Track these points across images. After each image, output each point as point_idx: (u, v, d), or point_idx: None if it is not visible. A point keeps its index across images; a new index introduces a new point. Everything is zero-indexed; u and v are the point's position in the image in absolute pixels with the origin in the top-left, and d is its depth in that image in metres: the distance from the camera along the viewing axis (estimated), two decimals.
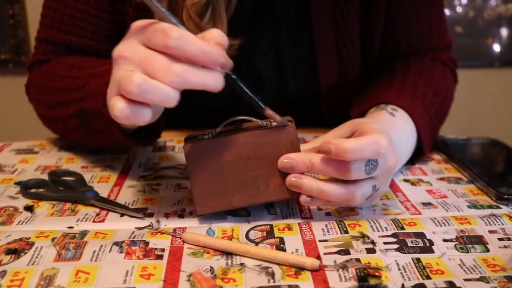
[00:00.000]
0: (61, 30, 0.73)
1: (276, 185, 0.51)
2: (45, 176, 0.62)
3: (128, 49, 0.46)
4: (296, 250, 0.48)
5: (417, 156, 0.67)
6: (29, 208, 0.55)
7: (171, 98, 0.44)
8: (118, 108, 0.44)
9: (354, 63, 0.77)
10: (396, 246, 0.48)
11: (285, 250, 0.48)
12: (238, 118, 0.51)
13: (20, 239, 0.48)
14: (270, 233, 0.51)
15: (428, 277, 0.43)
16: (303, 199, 0.51)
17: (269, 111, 0.50)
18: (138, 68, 0.44)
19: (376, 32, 0.77)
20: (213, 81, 0.45)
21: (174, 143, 0.76)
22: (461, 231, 0.51)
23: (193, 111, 0.79)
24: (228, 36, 0.49)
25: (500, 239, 0.49)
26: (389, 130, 0.56)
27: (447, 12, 1.77)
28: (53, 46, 0.74)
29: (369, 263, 0.45)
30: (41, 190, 0.59)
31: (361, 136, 0.51)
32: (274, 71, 0.77)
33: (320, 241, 0.49)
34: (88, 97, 0.61)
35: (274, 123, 0.50)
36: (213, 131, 0.51)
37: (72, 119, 0.65)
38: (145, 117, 0.45)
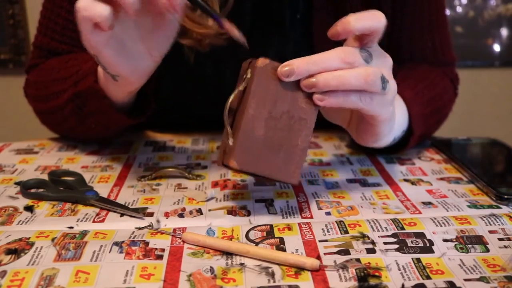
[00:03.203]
0: (54, 39, 0.76)
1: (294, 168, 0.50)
2: (45, 176, 0.62)
3: None
4: (296, 250, 0.48)
5: (401, 147, 0.68)
6: (29, 208, 0.55)
7: None
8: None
9: None
10: (396, 246, 0.48)
11: (285, 250, 0.48)
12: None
13: (20, 239, 0.48)
14: (270, 233, 0.51)
15: (428, 277, 0.43)
16: (317, 96, 0.50)
17: (227, 25, 0.51)
18: None
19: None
20: None
21: (174, 143, 0.76)
22: (461, 231, 0.51)
23: (189, 119, 0.80)
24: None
25: (500, 239, 0.49)
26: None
27: (447, 12, 1.78)
28: (47, 53, 0.77)
29: (369, 263, 0.45)
30: (41, 190, 0.59)
31: None
32: None
33: (320, 241, 0.49)
34: (82, 79, 0.64)
35: None
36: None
37: (68, 105, 0.67)
38: (103, 11, 0.47)
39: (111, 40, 0.52)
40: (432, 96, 0.72)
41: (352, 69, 0.49)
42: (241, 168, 0.49)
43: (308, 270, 0.44)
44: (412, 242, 0.49)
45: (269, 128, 0.49)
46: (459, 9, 1.77)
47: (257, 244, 0.49)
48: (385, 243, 0.48)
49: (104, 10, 0.48)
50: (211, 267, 0.45)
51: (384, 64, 0.53)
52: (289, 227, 0.51)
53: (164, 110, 0.73)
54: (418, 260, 0.46)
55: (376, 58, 0.52)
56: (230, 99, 0.50)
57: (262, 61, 0.49)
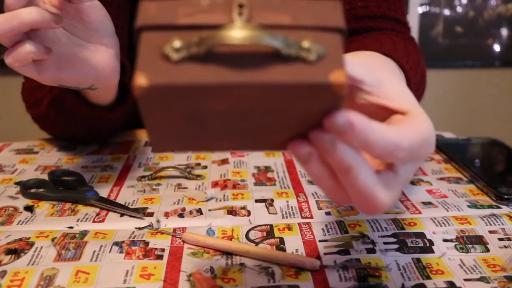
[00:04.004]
0: None
1: (281, 139, 0.33)
2: (45, 176, 0.62)
3: None
4: (296, 250, 0.48)
5: None
6: (29, 208, 0.55)
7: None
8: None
9: None
10: (396, 246, 0.48)
11: (285, 250, 0.48)
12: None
13: (20, 239, 0.48)
14: (270, 233, 0.51)
15: (428, 277, 0.43)
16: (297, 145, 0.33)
17: None
18: None
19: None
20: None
21: None
22: (461, 231, 0.51)
23: None
24: None
25: (500, 239, 0.49)
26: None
27: (447, 12, 1.78)
28: None
29: (369, 263, 0.45)
30: (41, 190, 0.59)
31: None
32: None
33: (320, 241, 0.49)
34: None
35: (309, 52, 0.29)
36: (194, 42, 0.28)
37: (50, 110, 0.68)
38: (24, 49, 0.47)
39: (58, 62, 0.51)
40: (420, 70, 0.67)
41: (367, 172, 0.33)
42: None
43: (308, 270, 0.44)
44: (412, 242, 0.49)
45: None
46: (459, 9, 1.77)
47: (257, 244, 0.49)
48: (385, 243, 0.48)
49: (25, 49, 0.47)
50: (211, 267, 0.45)
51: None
52: (289, 227, 0.51)
53: None
54: (418, 260, 0.46)
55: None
56: None
57: (141, 80, 0.28)
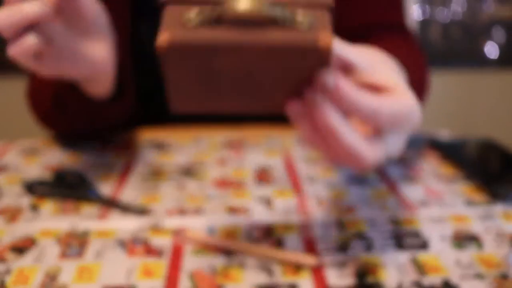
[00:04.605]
0: None
1: (280, 99, 0.39)
2: (49, 175, 0.63)
3: None
4: (295, 248, 0.48)
5: None
6: (33, 207, 0.56)
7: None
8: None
9: None
10: (393, 244, 0.49)
11: (284, 249, 0.48)
12: None
13: (25, 238, 0.49)
14: (270, 232, 0.51)
15: (425, 275, 0.44)
16: (293, 104, 0.38)
17: None
18: None
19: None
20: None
21: (174, 142, 0.77)
22: (457, 229, 0.51)
23: None
24: None
25: (495, 237, 0.50)
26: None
27: (443, 15, 1.78)
28: None
29: (367, 261, 0.46)
30: (45, 188, 0.60)
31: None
32: None
33: (319, 239, 0.50)
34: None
35: (301, 21, 0.35)
36: (207, 12, 0.35)
37: (53, 108, 0.69)
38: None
39: (56, 54, 0.52)
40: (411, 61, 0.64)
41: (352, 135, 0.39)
42: None
43: (307, 268, 0.45)
44: (408, 240, 0.50)
45: None
46: (455, 12, 1.78)
47: (257, 243, 0.50)
48: (382, 241, 0.49)
49: (31, 40, 0.48)
50: (211, 265, 0.46)
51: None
52: (288, 226, 0.52)
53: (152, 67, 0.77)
54: (415, 258, 0.47)
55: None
56: None
57: (165, 37, 0.35)
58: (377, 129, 0.40)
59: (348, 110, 0.37)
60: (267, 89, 0.38)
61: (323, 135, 0.38)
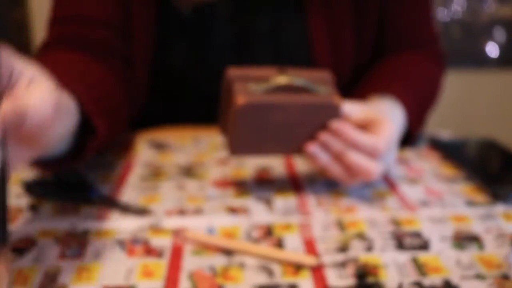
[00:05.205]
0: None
1: (304, 143, 0.57)
2: (47, 176, 0.63)
3: None
4: (296, 248, 0.48)
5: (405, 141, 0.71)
6: (32, 208, 0.56)
7: None
8: None
9: (347, 52, 0.79)
10: (393, 244, 0.49)
11: (284, 249, 0.48)
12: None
13: (24, 238, 0.49)
14: (269, 232, 0.51)
15: (425, 275, 0.44)
16: (311, 146, 0.56)
17: None
18: None
19: (369, 25, 0.79)
20: None
21: (174, 142, 0.77)
22: (458, 229, 0.51)
23: (192, 99, 0.80)
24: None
25: (495, 238, 0.50)
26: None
27: (444, 15, 1.78)
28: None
29: (367, 261, 0.46)
30: (44, 189, 0.59)
31: (374, 131, 0.57)
32: (272, 55, 0.79)
33: (319, 239, 0.50)
34: None
35: (321, 90, 0.55)
36: (264, 83, 0.54)
37: None
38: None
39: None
40: (424, 91, 0.76)
41: (357, 157, 0.55)
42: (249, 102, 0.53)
43: (307, 268, 0.45)
44: (409, 240, 0.49)
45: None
46: (456, 11, 1.78)
47: (257, 243, 0.49)
48: (383, 241, 0.49)
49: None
50: (211, 265, 0.46)
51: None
52: (288, 226, 0.52)
53: (169, 86, 0.79)
54: (415, 258, 0.47)
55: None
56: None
57: (241, 100, 0.53)
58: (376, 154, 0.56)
59: (353, 144, 0.55)
60: (298, 135, 0.56)
61: (338, 162, 0.56)
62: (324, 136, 0.56)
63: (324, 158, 0.56)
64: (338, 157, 0.56)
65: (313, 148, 0.56)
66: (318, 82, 0.56)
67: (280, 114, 0.54)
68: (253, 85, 0.54)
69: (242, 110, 0.52)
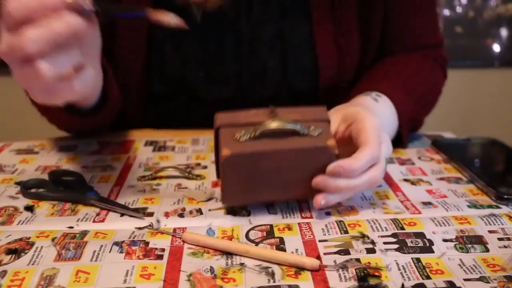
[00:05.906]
0: None
1: (303, 188, 0.53)
2: (45, 176, 0.62)
3: None
4: (296, 250, 0.48)
5: (398, 140, 0.72)
6: (29, 208, 0.55)
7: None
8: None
9: (352, 56, 0.79)
10: (396, 246, 0.48)
11: (285, 250, 0.48)
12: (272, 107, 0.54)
13: (20, 239, 0.48)
14: (270, 233, 0.51)
15: (428, 277, 0.43)
16: (318, 201, 0.52)
17: (154, 16, 0.49)
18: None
19: (374, 29, 0.79)
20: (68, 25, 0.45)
21: (174, 143, 0.76)
22: (461, 231, 0.51)
23: (192, 104, 0.80)
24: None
25: (500, 239, 0.49)
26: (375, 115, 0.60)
27: (447, 12, 1.78)
28: None
29: (369, 263, 0.45)
30: (41, 190, 0.59)
31: (358, 129, 0.55)
32: (278, 60, 0.78)
33: (320, 241, 0.49)
34: None
35: (313, 132, 0.52)
36: (252, 130, 0.51)
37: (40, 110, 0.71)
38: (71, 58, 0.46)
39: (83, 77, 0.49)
40: (417, 88, 0.76)
41: (361, 176, 0.52)
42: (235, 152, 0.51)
43: (308, 270, 0.44)
44: (412, 242, 0.49)
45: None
46: (459, 9, 1.78)
47: (257, 244, 0.49)
48: (385, 243, 0.49)
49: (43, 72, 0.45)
50: (211, 267, 0.45)
51: (388, 147, 0.58)
52: (289, 227, 0.52)
53: (168, 92, 0.78)
54: (418, 260, 0.46)
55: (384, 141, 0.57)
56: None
57: (226, 151, 0.50)
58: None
59: (351, 176, 0.52)
60: (292, 180, 0.53)
61: (350, 191, 0.54)
62: (326, 182, 0.52)
63: (336, 199, 0.53)
64: (348, 189, 0.53)
65: (320, 201, 0.52)
66: (312, 121, 0.53)
67: (269, 161, 0.51)
68: (241, 132, 0.51)
69: (228, 161, 0.50)
